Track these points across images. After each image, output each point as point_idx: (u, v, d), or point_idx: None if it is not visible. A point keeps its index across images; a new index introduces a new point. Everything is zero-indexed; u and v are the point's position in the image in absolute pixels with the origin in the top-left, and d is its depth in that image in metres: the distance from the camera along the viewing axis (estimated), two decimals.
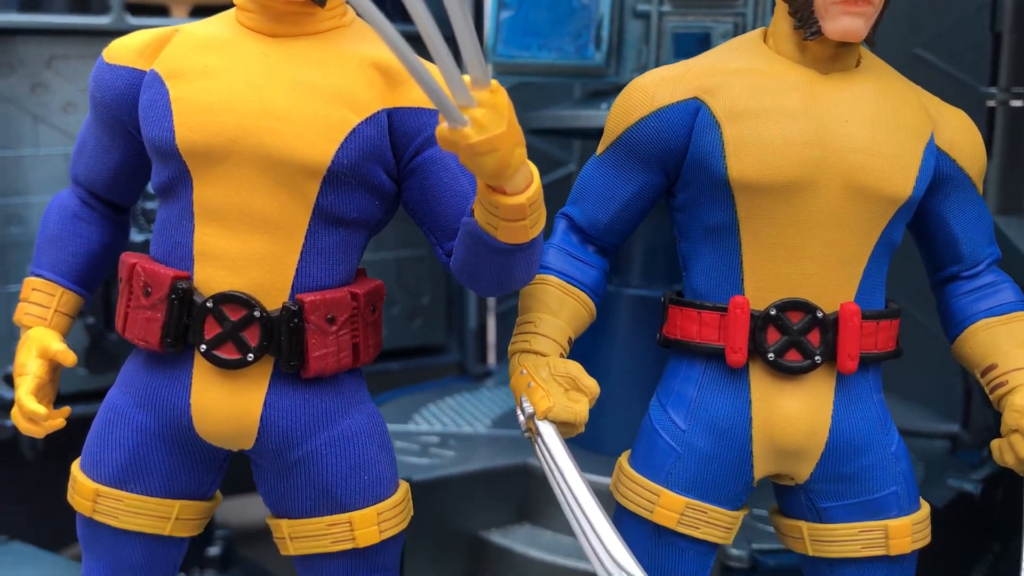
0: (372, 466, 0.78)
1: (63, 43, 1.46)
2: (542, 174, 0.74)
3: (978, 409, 1.37)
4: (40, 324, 0.81)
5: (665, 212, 1.38)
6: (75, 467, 0.80)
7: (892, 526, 0.78)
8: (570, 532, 1.32)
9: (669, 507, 0.77)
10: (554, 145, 1.73)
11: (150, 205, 1.36)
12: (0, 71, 1.44)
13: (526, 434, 0.76)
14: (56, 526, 1.56)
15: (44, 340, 0.80)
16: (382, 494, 0.79)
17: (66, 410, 0.81)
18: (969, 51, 1.34)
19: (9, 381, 1.37)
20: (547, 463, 0.75)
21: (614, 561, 0.70)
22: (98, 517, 0.78)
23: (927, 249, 0.83)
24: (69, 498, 0.80)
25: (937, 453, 1.35)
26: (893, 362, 1.31)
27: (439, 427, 1.51)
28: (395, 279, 1.80)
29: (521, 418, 0.76)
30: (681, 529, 0.78)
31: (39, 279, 0.82)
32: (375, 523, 0.78)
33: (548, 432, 0.74)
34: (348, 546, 0.78)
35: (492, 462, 1.36)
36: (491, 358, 1.91)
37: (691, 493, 0.78)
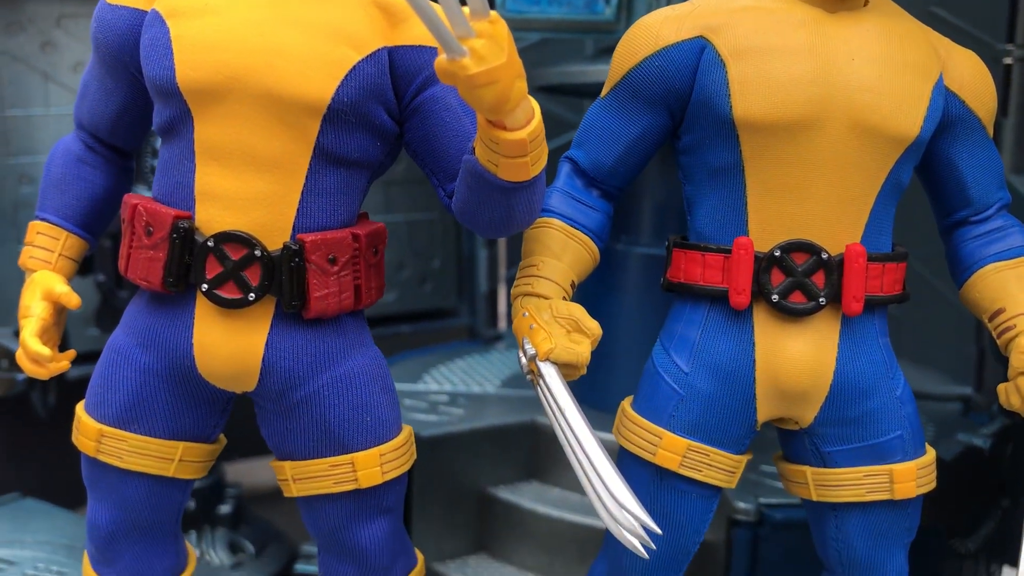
0: (374, 408, 0.78)
1: (72, 1, 1.46)
2: (551, 137, 0.74)
3: (991, 372, 1.36)
4: (45, 267, 0.81)
5: (675, 170, 1.37)
6: (79, 408, 0.81)
7: (897, 470, 0.77)
8: (578, 489, 1.32)
9: (671, 449, 0.77)
10: (564, 107, 1.72)
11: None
12: (9, 30, 1.44)
13: (528, 376, 0.76)
14: (69, 484, 1.57)
15: (48, 283, 0.80)
16: (384, 436, 0.79)
17: (71, 353, 0.81)
18: (985, 8, 1.32)
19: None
20: (549, 404, 0.74)
21: (615, 500, 0.70)
22: (102, 457, 0.78)
23: (936, 194, 0.82)
24: (73, 439, 0.80)
25: (949, 415, 1.34)
26: (906, 326, 1.30)
27: (448, 387, 1.51)
28: (406, 242, 1.80)
29: (523, 360, 0.76)
30: (683, 471, 0.77)
31: (44, 223, 0.82)
32: (377, 464, 0.78)
33: (550, 373, 0.74)
34: (351, 487, 0.78)
35: (501, 419, 1.36)
36: (501, 322, 1.91)
37: (693, 436, 0.77)
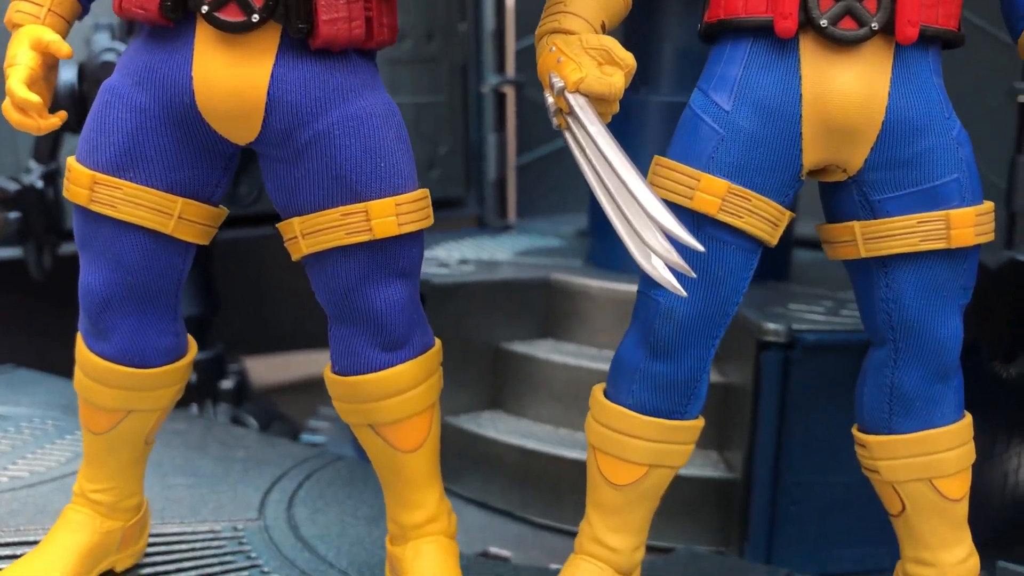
0: (388, 154, 0.73)
1: None
2: None
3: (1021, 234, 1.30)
4: (33, 22, 0.75)
5: (694, 12, 1.31)
6: (71, 159, 0.75)
7: (954, 215, 0.72)
8: (594, 343, 1.27)
9: (710, 192, 0.71)
10: None
11: None
12: None
13: (555, 118, 0.70)
14: (64, 358, 1.52)
15: (37, 32, 0.74)
16: (400, 186, 0.73)
17: (62, 113, 0.75)
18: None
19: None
20: (579, 141, 0.69)
21: (655, 221, 0.64)
22: (95, 207, 0.73)
23: None
24: (64, 192, 0.75)
25: None
26: None
27: (458, 255, 1.45)
28: (412, 126, 1.72)
29: (549, 99, 0.70)
30: (723, 217, 0.71)
31: None
32: (393, 214, 0.72)
33: (581, 104, 0.68)
34: (365, 237, 0.72)
35: (515, 275, 1.31)
36: (511, 213, 1.85)
37: (735, 178, 0.71)
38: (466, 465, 1.22)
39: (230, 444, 1.19)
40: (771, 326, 1.03)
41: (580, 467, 1.15)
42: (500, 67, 1.73)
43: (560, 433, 1.21)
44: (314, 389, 1.91)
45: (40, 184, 1.35)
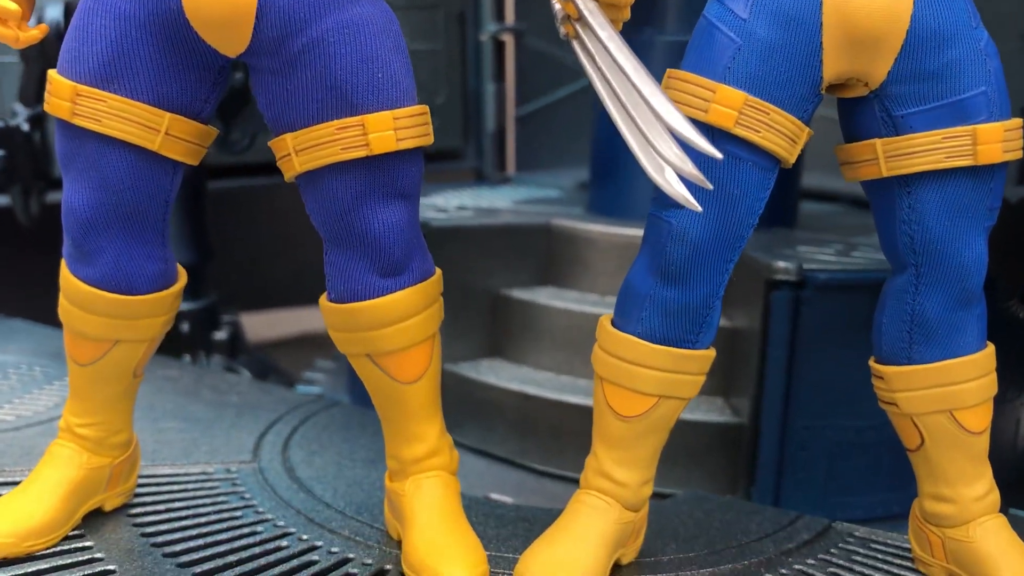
0: (387, 64, 0.69)
1: None
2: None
3: None
4: None
5: None
6: (51, 71, 0.71)
7: (980, 130, 0.68)
8: (596, 290, 1.24)
9: (726, 104, 0.68)
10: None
11: None
12: None
13: (562, 26, 0.67)
14: (51, 303, 1.49)
15: None
16: (398, 99, 0.69)
17: (44, 27, 0.72)
18: None
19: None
20: (589, 49, 0.65)
21: (670, 127, 0.61)
22: (78, 121, 0.69)
23: None
24: (46, 105, 0.71)
25: None
26: None
27: (457, 203, 1.42)
28: None
29: (556, 6, 0.66)
30: (739, 131, 0.68)
31: None
32: (391, 128, 0.68)
33: (590, 7, 0.65)
34: (361, 152, 0.68)
35: (514, 220, 1.28)
36: (510, 165, 1.81)
37: (752, 90, 0.68)
38: (466, 413, 1.19)
39: (223, 390, 1.16)
40: (781, 264, 0.99)
41: (581, 414, 1.12)
42: (499, 14, 1.69)
43: (561, 380, 1.17)
44: (310, 345, 1.88)
45: (26, 127, 1.31)
